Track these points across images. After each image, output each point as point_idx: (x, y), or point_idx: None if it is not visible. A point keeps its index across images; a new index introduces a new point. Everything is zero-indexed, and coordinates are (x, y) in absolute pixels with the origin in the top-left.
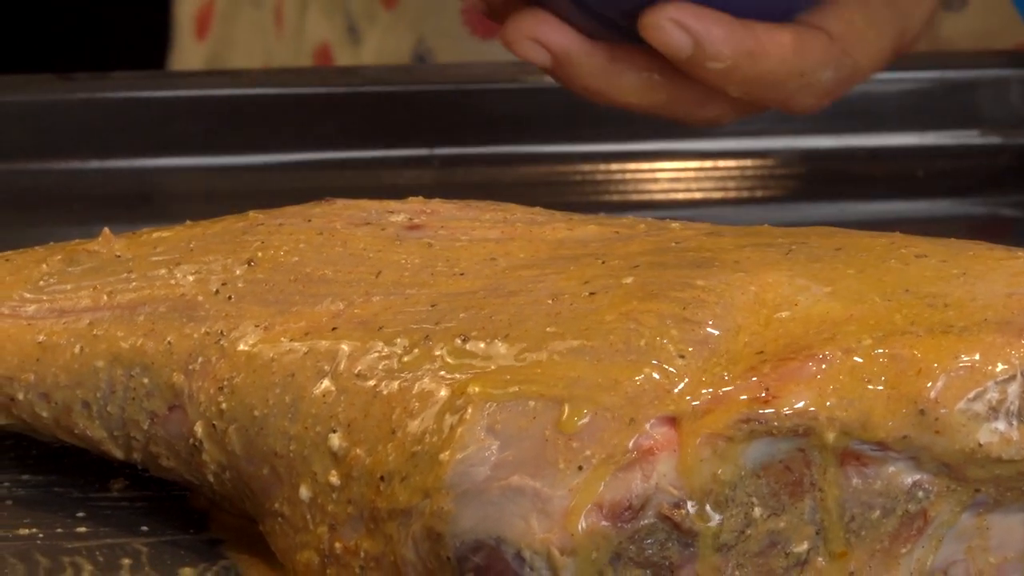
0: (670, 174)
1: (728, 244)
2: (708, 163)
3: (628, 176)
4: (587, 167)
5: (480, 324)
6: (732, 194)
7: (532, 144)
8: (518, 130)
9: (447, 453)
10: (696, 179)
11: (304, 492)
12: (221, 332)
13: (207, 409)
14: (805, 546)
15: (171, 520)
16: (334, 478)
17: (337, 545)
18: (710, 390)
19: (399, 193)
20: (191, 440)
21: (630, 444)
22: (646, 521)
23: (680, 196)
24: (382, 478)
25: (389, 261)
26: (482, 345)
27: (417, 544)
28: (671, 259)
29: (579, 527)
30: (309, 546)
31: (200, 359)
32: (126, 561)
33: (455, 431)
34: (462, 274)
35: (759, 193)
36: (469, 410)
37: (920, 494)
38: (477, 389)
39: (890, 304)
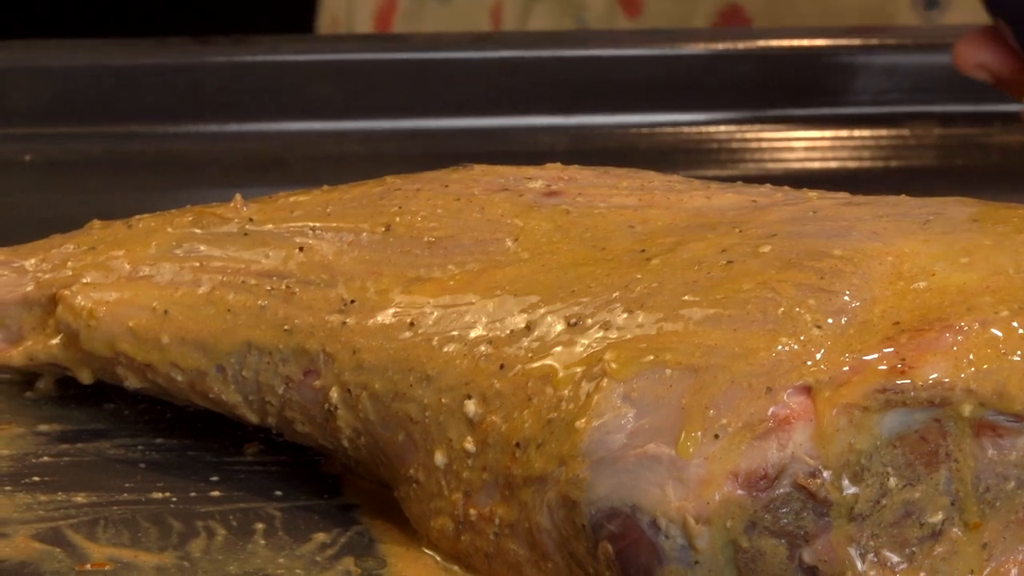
0: (805, 143)
1: (865, 214)
2: (843, 132)
3: (764, 145)
4: (723, 134)
5: (617, 292)
6: (867, 164)
7: (668, 112)
8: (654, 97)
9: (583, 420)
10: (832, 148)
11: (439, 458)
12: (357, 297)
13: (342, 374)
14: (940, 517)
15: (305, 485)
16: (469, 444)
17: (472, 512)
18: (846, 360)
19: (535, 160)
20: (326, 405)
21: (766, 413)
22: (781, 490)
23: (816, 165)
24: (517, 445)
25: (526, 228)
26: (619, 313)
27: (552, 511)
28: (809, 228)
29: (715, 496)
30: (444, 512)
31: (336, 324)
32: (259, 525)
33: (591, 399)
34: (599, 241)
35: (894, 163)
36: (605, 379)
37: None
38: (613, 357)
39: None
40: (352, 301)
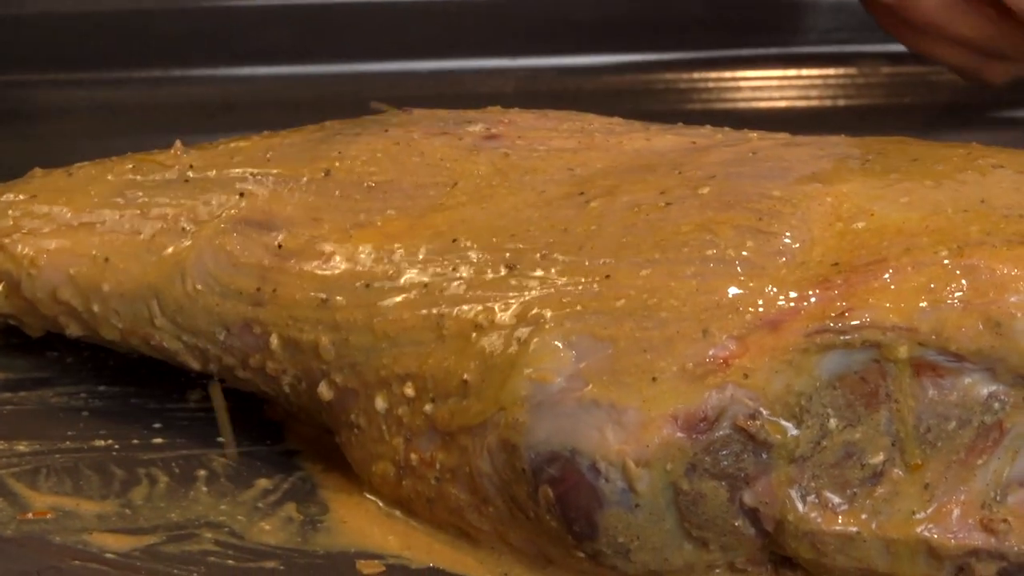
0: (753, 83)
1: (805, 155)
2: (791, 71)
3: (711, 85)
4: (670, 75)
5: (555, 235)
6: (815, 103)
7: (615, 53)
8: (601, 38)
9: (521, 365)
10: (779, 88)
11: (380, 403)
12: (296, 243)
13: (282, 321)
14: (881, 457)
15: (247, 431)
16: (409, 390)
17: (413, 456)
18: (785, 301)
19: (480, 103)
20: (266, 352)
21: (705, 355)
22: (721, 432)
23: (763, 105)
24: (456, 390)
25: (466, 171)
26: (557, 257)
27: (492, 456)
28: (748, 170)
29: (654, 439)
30: (385, 457)
31: (275, 271)
32: (202, 472)
33: (529, 343)
34: (538, 184)
35: (842, 102)
36: (543, 323)
37: (996, 405)
38: (552, 302)
39: (966, 215)
40: (292, 247)
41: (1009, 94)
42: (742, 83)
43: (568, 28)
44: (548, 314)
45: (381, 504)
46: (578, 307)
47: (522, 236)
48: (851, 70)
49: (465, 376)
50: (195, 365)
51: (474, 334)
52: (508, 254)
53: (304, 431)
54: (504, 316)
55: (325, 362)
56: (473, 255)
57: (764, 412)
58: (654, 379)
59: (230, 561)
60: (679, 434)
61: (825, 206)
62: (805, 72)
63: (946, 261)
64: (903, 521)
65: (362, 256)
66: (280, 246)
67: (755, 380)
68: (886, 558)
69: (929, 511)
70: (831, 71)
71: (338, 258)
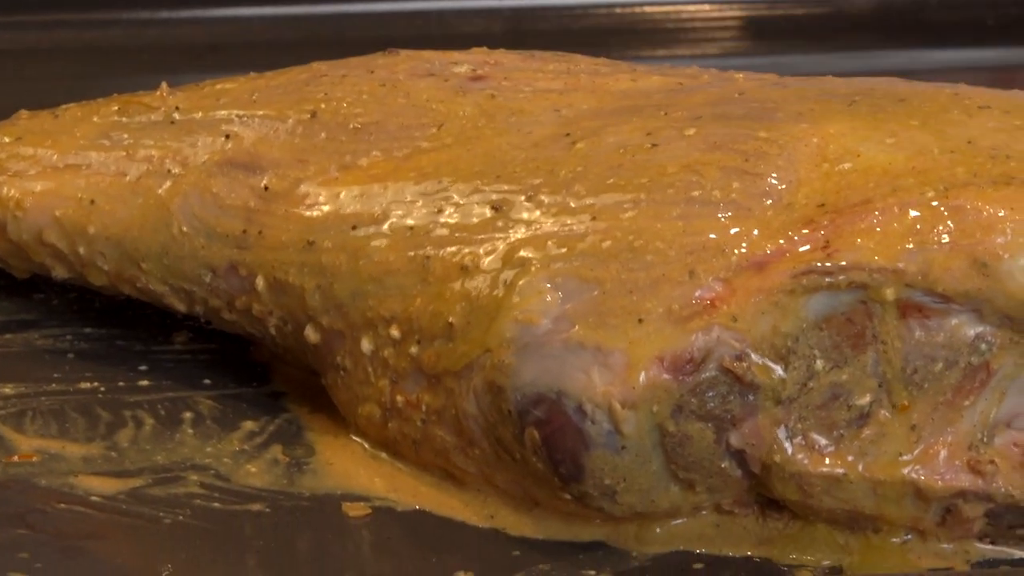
0: (740, 22)
1: (792, 95)
2: (779, 10)
3: (698, 25)
4: (658, 15)
5: (541, 177)
6: (803, 43)
7: None
8: None
9: (508, 307)
10: (767, 27)
11: (366, 345)
12: (282, 184)
13: (268, 262)
14: (868, 399)
15: (234, 373)
16: (395, 332)
17: (399, 398)
18: (771, 243)
19: (467, 44)
20: (252, 294)
21: (691, 297)
22: (707, 374)
23: (749, 43)
24: (442, 333)
25: (452, 113)
26: (543, 198)
27: (478, 397)
28: (734, 110)
29: (640, 380)
30: (371, 399)
31: (261, 213)
32: (188, 415)
33: (515, 285)
34: (524, 125)
35: (829, 43)
36: (530, 265)
37: (983, 346)
38: (538, 244)
39: (953, 156)
40: (278, 188)
41: (996, 31)
42: (730, 23)
43: None
44: (534, 256)
45: (367, 446)
46: (564, 249)
47: (508, 177)
48: (839, 8)
49: (451, 318)
50: (181, 307)
51: (460, 276)
52: (494, 196)
53: (290, 373)
54: (490, 258)
55: (311, 306)
56: (459, 197)
57: (751, 353)
58: (640, 321)
59: (216, 504)
60: (665, 376)
61: (811, 147)
62: (793, 12)
63: (933, 202)
64: (890, 463)
65: (348, 198)
66: (266, 188)
67: (741, 322)
68: (873, 500)
69: (916, 452)
70: (819, 10)
71: (324, 200)
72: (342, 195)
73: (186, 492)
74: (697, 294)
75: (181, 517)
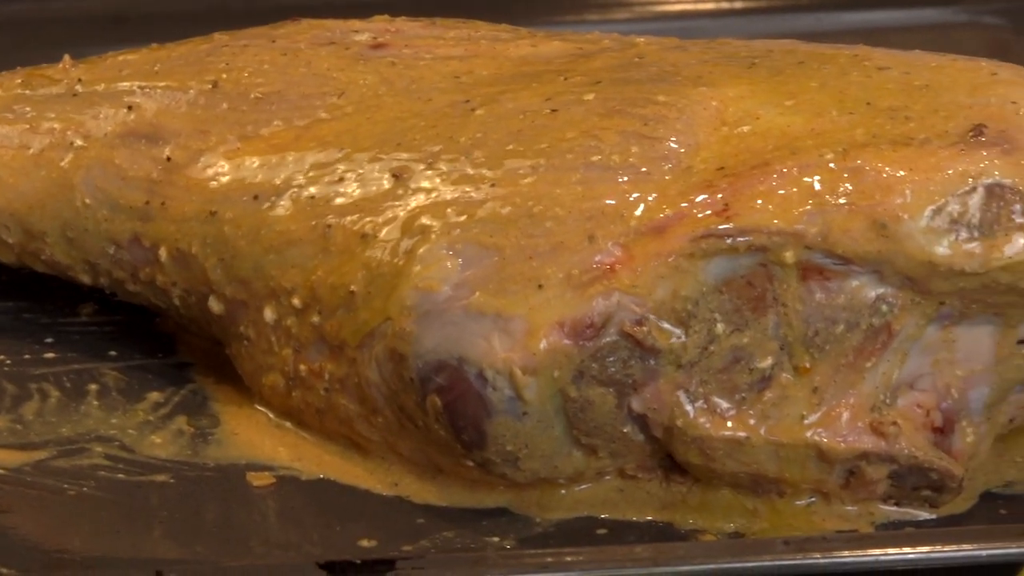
0: None
1: (691, 59)
2: None
3: None
4: None
5: (441, 143)
6: (709, 5)
7: None
8: None
9: (408, 275)
10: None
11: (269, 315)
12: (184, 156)
13: (170, 233)
14: (769, 361)
15: (139, 344)
16: (297, 301)
17: (302, 367)
18: (670, 207)
19: (374, 11)
20: (155, 265)
21: (590, 262)
22: (608, 339)
23: (656, 9)
24: (344, 300)
25: (352, 81)
26: (444, 165)
27: (380, 365)
28: (634, 74)
29: (541, 346)
30: (275, 368)
31: (164, 184)
32: (93, 387)
33: (415, 252)
34: (424, 93)
35: (737, 4)
36: (430, 232)
37: (884, 307)
38: (437, 211)
39: (852, 117)
40: (180, 159)
41: None
42: None
43: None
44: (434, 223)
45: (271, 416)
46: (464, 216)
47: (408, 145)
48: None
49: (352, 287)
50: (86, 280)
51: (361, 245)
52: (394, 164)
53: (196, 343)
54: (390, 226)
55: (213, 276)
56: (359, 166)
57: (651, 318)
58: (540, 287)
59: (120, 475)
60: (566, 341)
61: (710, 110)
62: None
63: (831, 164)
64: (792, 425)
65: (249, 168)
66: (168, 159)
67: (641, 286)
68: (776, 462)
69: (818, 415)
70: None
71: (225, 171)
72: (243, 165)
73: (91, 464)
74: (596, 259)
75: (86, 489)
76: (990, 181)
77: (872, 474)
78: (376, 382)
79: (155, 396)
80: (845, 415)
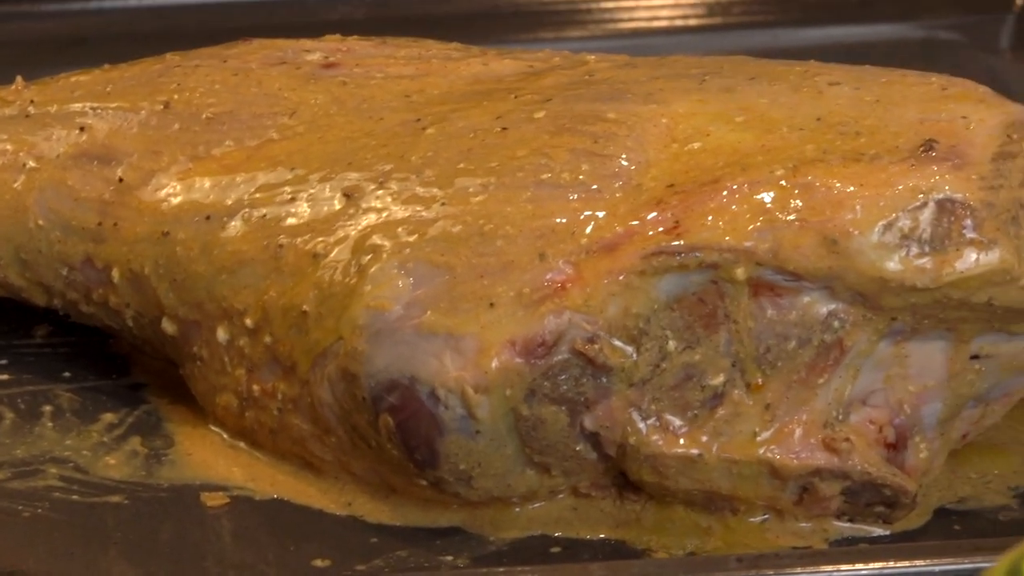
0: (603, 4)
1: (642, 76)
2: None
3: (562, 7)
4: None
5: (392, 163)
6: (664, 23)
7: None
8: None
9: (359, 294)
10: (628, 8)
11: (222, 335)
12: (136, 176)
13: (123, 254)
14: (721, 379)
15: (94, 366)
16: (249, 321)
17: (255, 387)
18: (621, 224)
19: (326, 31)
20: (108, 286)
21: (541, 280)
22: (560, 357)
23: (609, 26)
24: (295, 321)
25: (303, 101)
26: (394, 184)
27: (333, 385)
28: (584, 92)
29: (492, 364)
30: (228, 389)
31: (116, 205)
32: (47, 408)
33: (366, 271)
34: (375, 112)
35: (691, 22)
36: (381, 251)
37: (836, 323)
38: (389, 230)
39: (802, 133)
40: (132, 180)
41: (858, 9)
42: (591, 5)
43: None
44: (385, 243)
45: (225, 436)
46: (415, 235)
47: (359, 164)
48: None
49: (304, 307)
50: (40, 301)
51: (312, 265)
52: (345, 183)
53: (150, 364)
54: (342, 246)
55: (166, 297)
56: (310, 185)
57: (602, 335)
58: (491, 305)
59: (75, 496)
60: (517, 359)
61: (660, 127)
62: None
63: (782, 181)
64: (745, 442)
65: (201, 189)
66: (121, 180)
67: (593, 304)
68: (729, 479)
69: (771, 431)
70: None
71: (177, 191)
72: (195, 186)
73: (45, 485)
74: (547, 277)
75: (40, 510)
76: (940, 196)
77: (825, 490)
78: (329, 402)
79: (109, 417)
80: (798, 431)
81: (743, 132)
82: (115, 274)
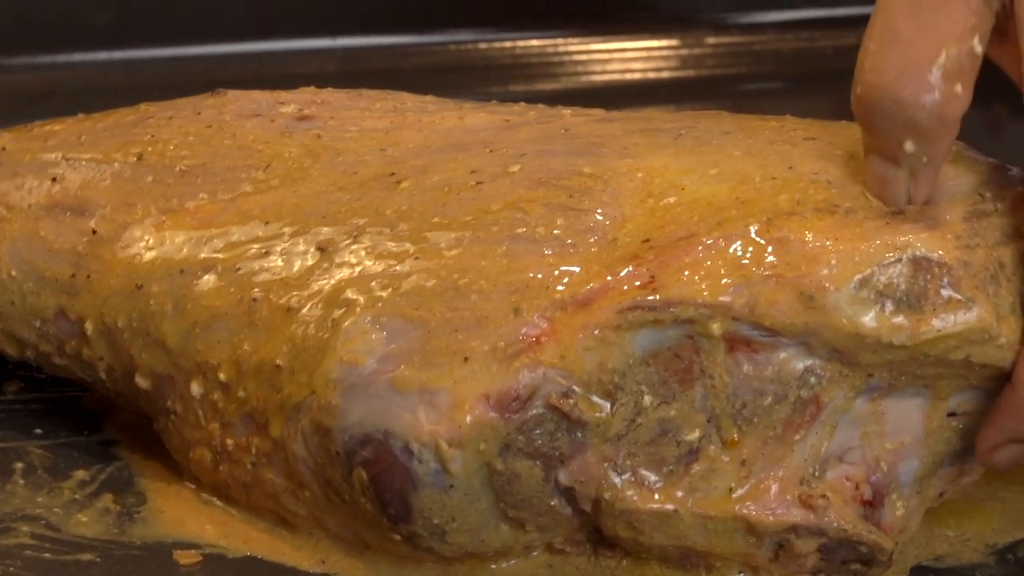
0: (575, 57)
1: (617, 130)
2: (615, 44)
3: (533, 60)
4: (491, 52)
5: (367, 217)
6: (637, 76)
7: (433, 32)
8: (418, 17)
9: (333, 348)
10: (601, 62)
11: (196, 389)
12: (110, 228)
13: (96, 307)
14: (697, 434)
15: (66, 422)
16: (223, 375)
17: (229, 442)
18: (596, 279)
19: (302, 84)
20: (81, 339)
21: (516, 335)
22: (534, 411)
23: (583, 80)
24: (269, 374)
25: (277, 153)
26: (369, 239)
27: (306, 439)
28: (559, 146)
29: (466, 419)
30: (201, 443)
31: (89, 257)
32: (19, 465)
33: (339, 326)
34: (350, 166)
35: (665, 74)
36: (355, 305)
37: (812, 379)
38: (363, 284)
39: (774, 183)
40: (105, 233)
41: (835, 61)
42: (564, 58)
43: (388, 6)
44: (359, 297)
45: (198, 493)
46: (389, 289)
47: (333, 218)
48: (674, 41)
49: (278, 361)
50: (12, 352)
51: (286, 319)
52: (319, 237)
53: (123, 420)
54: (315, 300)
55: (139, 351)
56: (285, 239)
57: (577, 390)
58: (466, 359)
59: (47, 554)
60: (492, 414)
61: (636, 182)
62: (629, 45)
63: (756, 236)
64: (720, 498)
65: (174, 242)
66: (94, 232)
67: (568, 359)
68: (704, 535)
69: (746, 488)
70: (654, 43)
71: (151, 244)
72: (168, 239)
73: (17, 543)
74: (522, 332)
75: (12, 569)
76: (916, 254)
77: (801, 547)
78: (302, 456)
79: (81, 474)
80: (774, 488)
81: (717, 185)
82: (88, 327)
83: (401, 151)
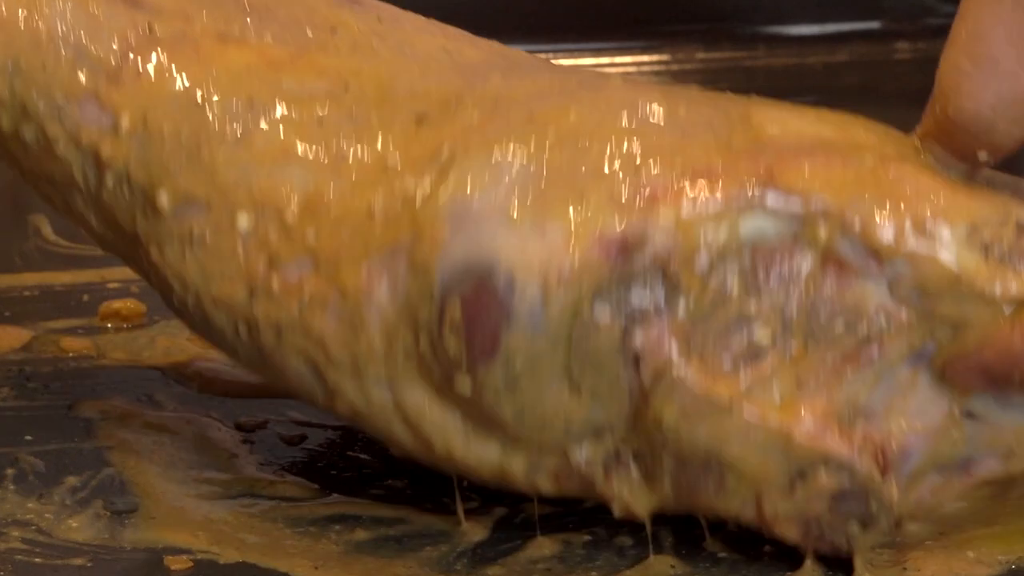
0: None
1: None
2: (605, 59)
3: None
4: None
5: (464, 91)
6: None
7: None
8: None
9: (443, 185)
10: None
11: (243, 222)
12: (167, 32)
13: (140, 104)
14: (768, 338)
15: (57, 429)
16: (290, 217)
17: (275, 280)
18: (721, 156)
19: None
20: (109, 133)
21: (636, 188)
22: (638, 264)
23: None
24: (355, 224)
25: (343, 22)
26: (470, 108)
27: (397, 282)
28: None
29: (577, 257)
30: (234, 278)
31: (143, 50)
32: (10, 471)
33: (449, 167)
34: (418, 55)
35: None
36: (467, 149)
37: (883, 320)
38: (472, 138)
39: (880, 135)
40: (161, 34)
41: (826, 77)
42: None
43: None
44: (470, 144)
45: (190, 498)
46: (500, 141)
47: (423, 97)
48: (664, 56)
49: (373, 206)
50: (4, 124)
51: (382, 175)
52: (413, 111)
53: (114, 428)
54: (417, 159)
55: (176, 163)
56: (370, 106)
57: (679, 258)
58: (581, 201)
59: (37, 559)
60: (601, 256)
61: (741, 106)
62: (619, 60)
63: (872, 166)
64: (771, 407)
65: (242, 69)
66: (150, 29)
67: (680, 225)
68: (741, 444)
69: (796, 405)
70: (644, 57)
71: (215, 62)
72: (235, 64)
73: (7, 548)
74: (642, 186)
75: (3, 573)
76: (1021, 220)
77: (824, 482)
78: (382, 302)
79: (72, 480)
80: (818, 415)
81: (821, 125)
82: (124, 121)
83: (465, 59)
